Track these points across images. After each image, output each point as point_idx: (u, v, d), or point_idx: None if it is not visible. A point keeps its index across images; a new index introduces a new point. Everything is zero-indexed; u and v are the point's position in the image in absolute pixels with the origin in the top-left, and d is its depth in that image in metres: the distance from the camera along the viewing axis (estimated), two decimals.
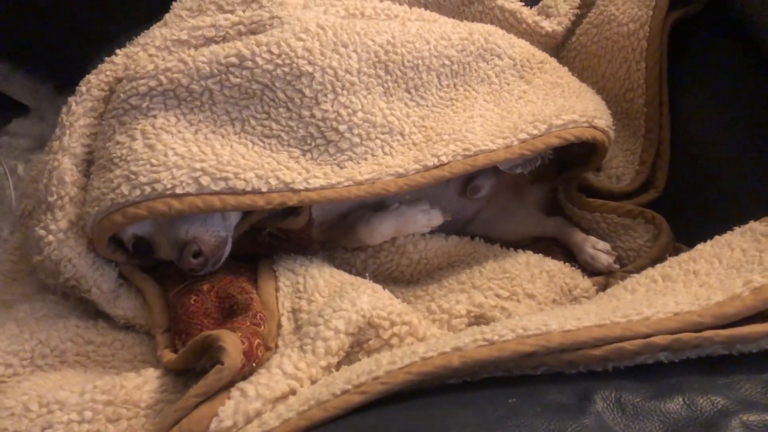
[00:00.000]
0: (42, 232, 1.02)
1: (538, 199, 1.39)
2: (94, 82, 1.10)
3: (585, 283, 1.17)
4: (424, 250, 1.18)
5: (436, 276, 1.18)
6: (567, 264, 1.20)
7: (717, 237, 0.99)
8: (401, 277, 1.20)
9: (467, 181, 1.29)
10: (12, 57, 2.27)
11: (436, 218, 1.18)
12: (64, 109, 1.09)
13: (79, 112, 1.08)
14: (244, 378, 0.84)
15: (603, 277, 1.22)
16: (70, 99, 1.09)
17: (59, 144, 1.06)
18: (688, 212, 1.31)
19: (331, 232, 1.20)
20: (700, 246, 1.00)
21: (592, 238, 1.28)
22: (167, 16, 1.20)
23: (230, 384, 0.83)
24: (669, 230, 1.25)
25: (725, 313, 0.78)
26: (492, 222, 1.34)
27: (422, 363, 0.78)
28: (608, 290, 1.04)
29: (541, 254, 1.21)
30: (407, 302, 1.10)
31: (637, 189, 1.36)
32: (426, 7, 1.46)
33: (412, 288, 1.16)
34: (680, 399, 0.72)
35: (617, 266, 1.24)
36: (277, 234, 1.14)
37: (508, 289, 1.11)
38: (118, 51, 1.14)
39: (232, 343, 0.82)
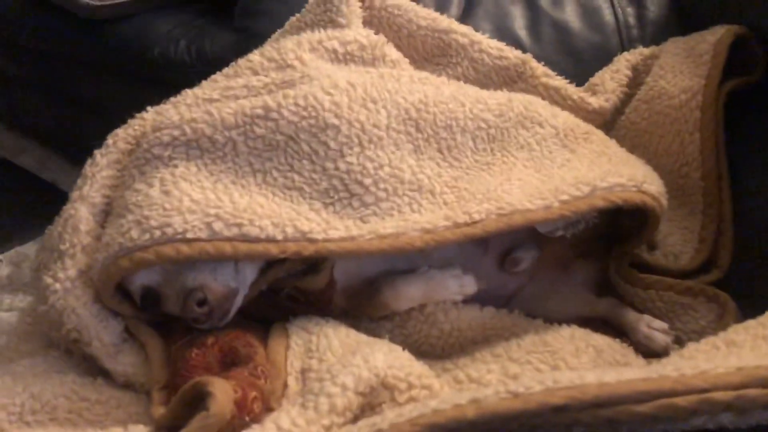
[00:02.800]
0: (49, 281, 0.98)
1: (587, 277, 1.27)
2: (122, 135, 1.10)
3: (639, 361, 1.03)
4: (457, 320, 1.08)
5: (468, 350, 1.07)
6: (617, 340, 1.07)
7: None
8: (431, 350, 1.09)
9: (506, 254, 1.20)
10: (47, 143, 2.37)
11: (470, 285, 1.09)
12: (89, 161, 1.08)
13: (102, 163, 1.07)
14: (234, 431, 0.74)
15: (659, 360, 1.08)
16: (96, 151, 1.09)
17: (79, 194, 1.04)
18: (755, 293, 1.17)
19: (355, 299, 1.11)
20: None
21: (647, 317, 1.15)
22: (204, 81, 1.21)
23: None
24: (735, 309, 1.11)
25: None
26: (536, 300, 1.23)
27: (432, 414, 0.67)
28: (662, 360, 0.90)
29: (588, 329, 1.08)
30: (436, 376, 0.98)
31: (697, 268, 1.24)
32: None
33: (441, 362, 1.05)
34: None
35: (676, 347, 1.10)
36: (297, 296, 1.07)
37: (549, 363, 0.99)
38: (149, 108, 1.14)
39: (221, 390, 0.73)
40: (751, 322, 0.87)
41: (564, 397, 0.65)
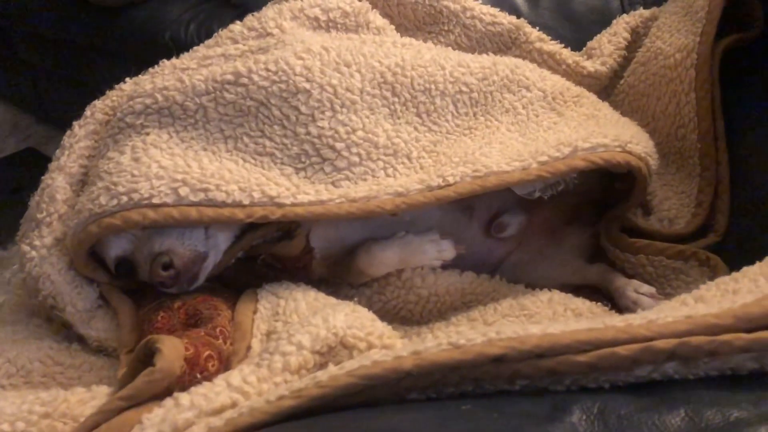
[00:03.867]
0: (26, 248, 1.00)
1: (578, 243, 1.24)
2: (99, 106, 1.11)
3: None
4: (434, 285, 1.07)
5: (446, 316, 1.05)
6: (599, 303, 1.04)
7: None
8: (410, 316, 1.08)
9: (493, 219, 1.18)
10: (53, 121, 2.40)
11: (448, 250, 1.07)
12: (68, 132, 1.09)
13: (80, 134, 1.08)
14: (185, 389, 0.74)
15: None
16: (74, 122, 1.10)
17: (57, 164, 1.06)
18: (751, 258, 1.12)
19: (335, 267, 1.10)
20: (746, 267, 0.84)
21: (635, 282, 1.11)
22: (185, 53, 1.21)
23: (167, 393, 0.73)
24: (727, 272, 1.06)
25: (750, 314, 0.62)
26: (524, 266, 1.20)
27: (371, 365, 0.65)
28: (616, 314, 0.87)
29: (569, 294, 1.05)
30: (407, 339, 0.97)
31: (693, 233, 1.19)
32: None
33: (419, 327, 1.04)
34: (681, 411, 0.56)
35: None
36: (273, 263, 1.06)
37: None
38: (128, 79, 1.14)
39: (170, 346, 0.74)
40: (724, 278, 0.84)
41: (503, 347, 0.63)
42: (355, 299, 0.98)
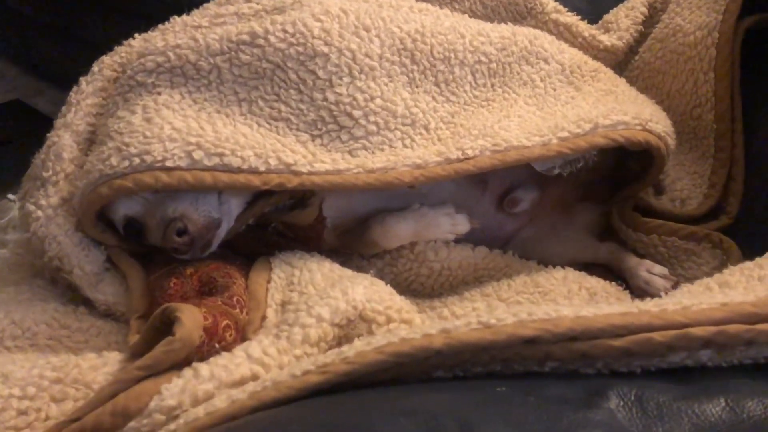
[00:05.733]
0: (32, 208, 0.97)
1: (590, 220, 1.23)
2: (107, 62, 1.07)
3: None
4: (447, 260, 1.05)
5: (459, 290, 1.04)
6: (613, 283, 1.03)
7: None
8: (421, 289, 1.07)
9: (506, 194, 1.16)
10: (41, 73, 2.34)
11: (462, 223, 1.06)
12: (75, 88, 1.06)
13: (88, 90, 1.04)
14: (204, 359, 0.73)
15: None
16: (81, 78, 1.06)
17: (63, 121, 1.02)
18: (763, 241, 1.11)
19: (346, 237, 1.09)
20: None
21: (648, 262, 1.11)
22: (195, 10, 1.17)
23: (185, 363, 0.72)
24: (739, 255, 1.07)
25: None
26: (534, 242, 1.19)
27: (400, 343, 0.64)
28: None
29: (583, 272, 1.05)
30: (422, 313, 0.96)
31: (705, 214, 1.18)
32: None
33: (430, 300, 1.03)
34: (722, 400, 0.55)
35: None
36: (285, 231, 1.04)
37: (539, 304, 0.96)
38: (136, 35, 1.10)
39: (189, 316, 0.72)
40: (748, 264, 0.83)
41: (536, 329, 0.62)
42: (371, 272, 0.97)
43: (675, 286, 1.07)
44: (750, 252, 1.08)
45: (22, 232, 1.05)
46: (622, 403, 0.56)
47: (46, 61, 2.90)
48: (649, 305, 0.65)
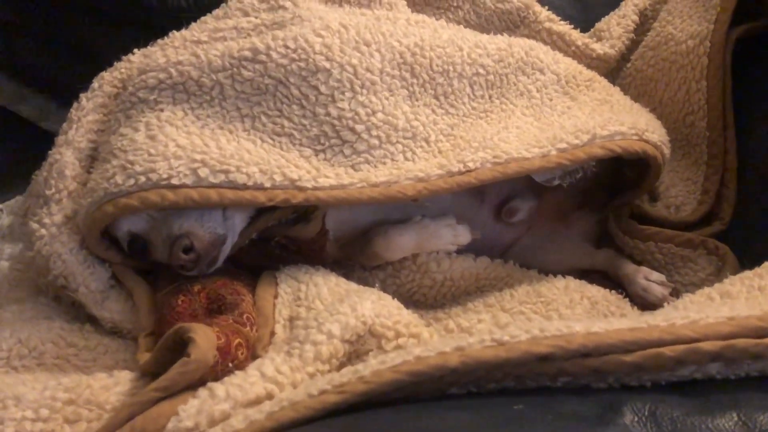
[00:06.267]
0: (35, 226, 0.97)
1: (586, 228, 1.25)
2: (108, 78, 1.07)
3: (634, 313, 1.01)
4: (449, 270, 1.06)
5: (461, 300, 1.05)
6: (613, 292, 1.05)
7: None
8: (423, 300, 1.08)
9: (503, 204, 1.18)
10: (26, 80, 2.33)
11: (464, 235, 1.07)
12: (75, 105, 1.05)
13: (88, 107, 1.04)
14: (217, 378, 0.73)
15: None
16: (82, 95, 1.06)
17: (65, 138, 1.02)
18: (756, 247, 1.14)
19: (348, 249, 1.09)
20: None
21: (645, 269, 1.13)
22: (193, 23, 1.17)
23: (200, 383, 0.72)
24: (735, 262, 1.09)
25: None
26: (532, 251, 1.21)
27: (415, 362, 0.65)
28: (655, 311, 0.88)
29: (584, 281, 1.06)
30: (428, 326, 0.97)
31: (699, 220, 1.21)
32: None
33: (434, 311, 1.04)
34: (734, 415, 0.57)
35: (674, 300, 1.07)
36: (288, 245, 1.05)
37: (542, 313, 0.98)
38: (136, 50, 1.10)
39: (203, 336, 0.72)
40: (747, 273, 0.85)
41: (549, 345, 0.64)
42: (377, 285, 0.98)
43: (673, 292, 1.09)
44: (744, 257, 1.11)
45: (17, 246, 1.05)
46: (636, 419, 0.57)
47: (31, 67, 2.88)
48: (658, 319, 0.66)
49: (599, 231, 1.25)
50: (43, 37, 2.67)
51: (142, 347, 0.88)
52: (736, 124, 1.23)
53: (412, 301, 1.07)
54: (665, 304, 1.07)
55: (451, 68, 1.10)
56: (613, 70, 1.44)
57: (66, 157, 1.00)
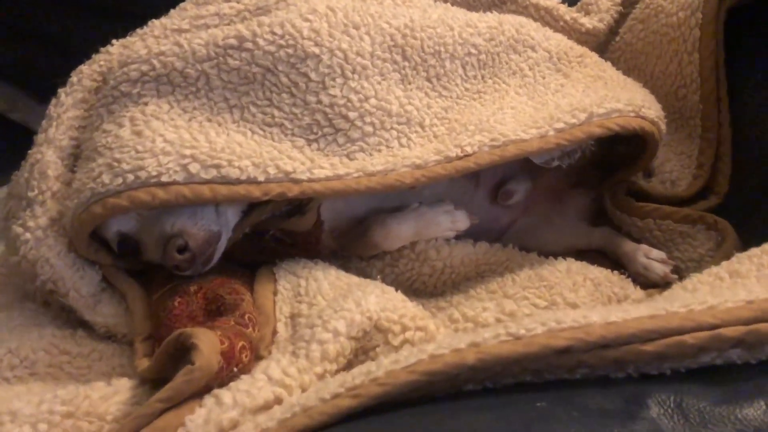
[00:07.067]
0: (19, 230, 0.92)
1: (582, 207, 1.23)
2: (86, 72, 1.02)
3: (637, 293, 1.01)
4: (449, 257, 1.04)
5: (462, 287, 1.03)
6: (616, 272, 1.04)
7: None
8: (424, 288, 1.05)
9: (498, 186, 1.16)
10: (15, 81, 2.27)
11: (462, 220, 1.05)
12: (53, 101, 1.01)
13: (68, 103, 1.00)
14: (222, 384, 0.71)
15: (659, 290, 1.05)
16: (60, 90, 1.01)
17: (45, 136, 0.98)
18: (753, 220, 1.13)
19: (344, 239, 1.07)
20: None
21: (645, 246, 1.12)
22: (172, 10, 1.12)
23: (205, 390, 0.70)
24: (735, 236, 1.08)
25: None
26: (529, 232, 1.19)
27: (430, 361, 0.63)
28: (664, 293, 0.87)
29: (585, 262, 1.05)
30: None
31: (694, 195, 1.20)
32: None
33: (435, 300, 1.02)
34: (761, 403, 0.55)
35: (675, 277, 1.07)
36: (283, 238, 1.02)
37: (546, 298, 0.96)
38: (114, 41, 1.06)
39: (207, 341, 0.69)
40: (754, 251, 0.84)
41: (568, 338, 0.62)
42: (378, 277, 0.95)
43: (673, 270, 1.08)
44: (742, 230, 1.10)
45: (8, 255, 1.00)
46: (662, 411, 0.56)
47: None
48: (675, 305, 0.65)
49: (594, 209, 1.24)
50: (9, 25, 2.59)
51: (139, 352, 0.85)
52: (730, 95, 1.21)
53: (412, 289, 1.05)
54: (668, 281, 1.06)
55: (442, 49, 1.07)
56: (601, 44, 1.41)
57: (47, 156, 0.96)
